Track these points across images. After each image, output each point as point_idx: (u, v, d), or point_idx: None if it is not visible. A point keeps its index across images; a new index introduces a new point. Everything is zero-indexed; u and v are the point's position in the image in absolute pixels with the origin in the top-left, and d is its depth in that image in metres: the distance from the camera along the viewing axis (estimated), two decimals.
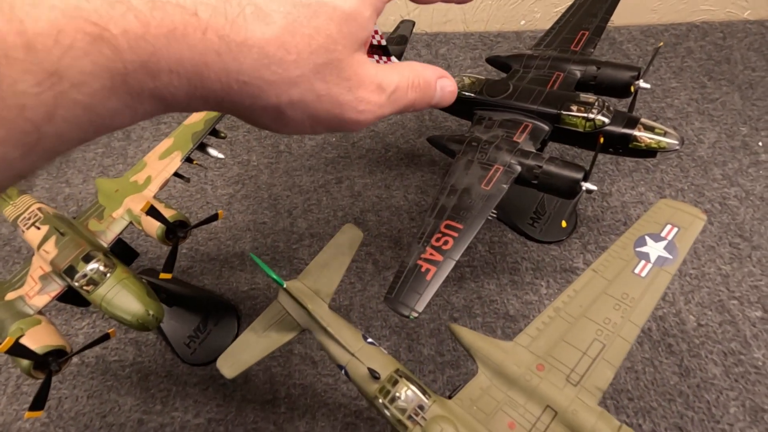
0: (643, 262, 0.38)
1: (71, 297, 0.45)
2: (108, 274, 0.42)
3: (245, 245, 0.72)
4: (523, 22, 0.96)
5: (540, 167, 0.47)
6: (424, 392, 0.37)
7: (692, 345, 0.57)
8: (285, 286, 0.37)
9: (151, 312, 0.40)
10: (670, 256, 0.38)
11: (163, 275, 0.46)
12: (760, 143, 0.74)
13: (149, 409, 0.59)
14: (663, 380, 0.55)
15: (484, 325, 0.61)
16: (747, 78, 0.83)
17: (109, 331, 0.43)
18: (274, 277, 0.36)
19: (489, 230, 0.69)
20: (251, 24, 0.20)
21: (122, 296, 0.40)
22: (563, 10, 0.65)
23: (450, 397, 0.37)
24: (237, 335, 0.64)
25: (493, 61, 0.63)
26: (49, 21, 0.15)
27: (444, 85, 0.31)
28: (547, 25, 0.66)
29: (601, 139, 0.46)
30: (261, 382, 0.60)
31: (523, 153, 0.48)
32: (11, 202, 0.55)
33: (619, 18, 0.92)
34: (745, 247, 0.64)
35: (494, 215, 0.45)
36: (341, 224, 0.74)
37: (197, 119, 0.56)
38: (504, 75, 0.60)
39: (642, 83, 0.52)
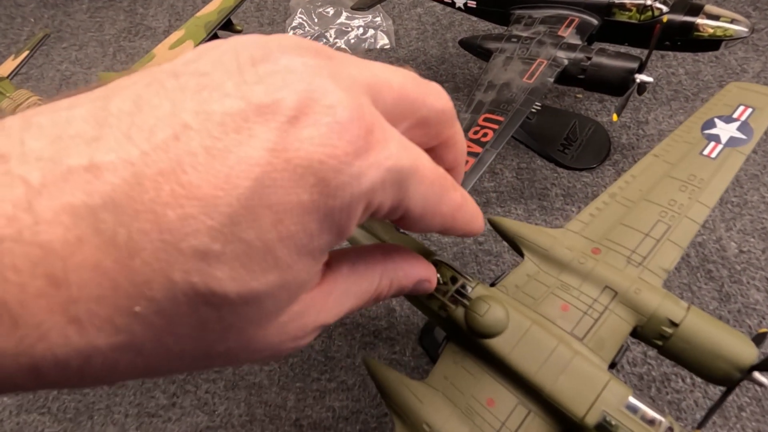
0: (712, 143, 0.35)
1: None
2: None
3: None
4: None
5: (589, 59, 0.42)
6: (464, 276, 0.33)
7: (733, 271, 0.54)
8: None
9: None
10: (744, 137, 0.34)
11: None
12: None
13: None
14: (702, 305, 0.52)
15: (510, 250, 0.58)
16: None
17: None
18: None
19: (517, 156, 0.65)
20: None
21: None
22: None
23: (492, 285, 0.34)
24: None
25: None
26: None
27: (424, 288, 0.23)
28: None
29: (658, 27, 0.42)
30: None
31: (570, 46, 0.44)
32: (8, 95, 0.51)
33: None
34: None
35: (538, 108, 0.41)
36: None
37: (210, 10, 0.51)
38: None
39: None
